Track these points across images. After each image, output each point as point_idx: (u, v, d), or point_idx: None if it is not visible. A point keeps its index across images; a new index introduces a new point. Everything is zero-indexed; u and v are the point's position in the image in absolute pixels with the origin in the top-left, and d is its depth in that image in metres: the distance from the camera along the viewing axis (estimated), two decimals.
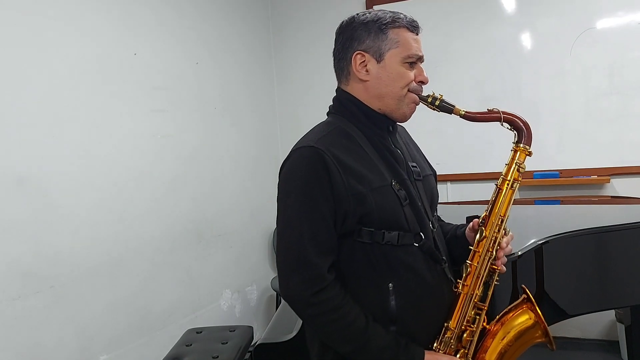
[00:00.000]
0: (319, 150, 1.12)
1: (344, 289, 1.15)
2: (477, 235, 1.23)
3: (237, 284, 3.26)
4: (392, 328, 1.15)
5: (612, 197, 3.04)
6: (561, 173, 3.17)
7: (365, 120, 1.22)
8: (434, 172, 1.38)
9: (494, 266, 1.24)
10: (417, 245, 1.18)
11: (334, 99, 1.29)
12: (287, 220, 1.15)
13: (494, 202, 1.24)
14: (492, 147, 3.13)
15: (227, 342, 2.14)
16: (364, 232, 1.14)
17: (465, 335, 1.22)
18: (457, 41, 3.38)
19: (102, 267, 2.28)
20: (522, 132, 1.23)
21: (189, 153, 2.88)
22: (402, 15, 1.21)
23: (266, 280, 3.55)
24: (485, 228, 1.22)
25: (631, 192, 3.02)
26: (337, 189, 1.11)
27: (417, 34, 1.22)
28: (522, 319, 1.27)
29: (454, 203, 3.19)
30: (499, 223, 1.23)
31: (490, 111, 1.22)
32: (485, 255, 1.22)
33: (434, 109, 1.23)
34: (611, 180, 3.09)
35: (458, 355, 1.21)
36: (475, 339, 1.23)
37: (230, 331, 2.26)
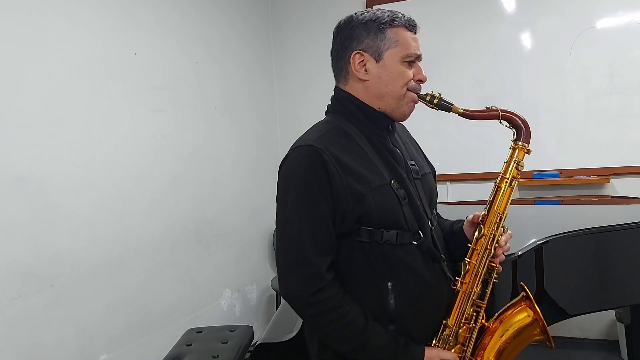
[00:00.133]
0: (318, 149, 1.12)
1: (343, 288, 1.15)
2: (476, 233, 1.23)
3: (237, 283, 3.26)
4: (391, 327, 1.15)
5: (612, 197, 3.04)
6: (561, 173, 3.17)
7: (365, 119, 1.22)
8: (433, 170, 1.38)
9: (492, 264, 1.24)
10: (415, 244, 1.18)
11: (332, 99, 1.29)
12: (286, 219, 1.15)
13: (492, 200, 1.24)
14: (492, 147, 3.13)
15: (227, 342, 2.14)
16: (362, 232, 1.15)
17: (464, 332, 1.22)
18: (457, 41, 3.38)
19: (102, 267, 2.28)
20: (520, 129, 1.23)
21: (189, 153, 2.88)
22: (400, 15, 1.21)
23: (266, 280, 3.55)
24: (483, 226, 1.23)
25: (631, 192, 3.02)
26: (336, 188, 1.11)
27: (415, 33, 1.23)
28: (521, 317, 1.27)
29: (454, 203, 3.19)
30: (498, 221, 1.23)
31: (488, 109, 1.23)
32: (484, 253, 1.22)
33: (432, 108, 1.24)
34: (611, 180, 3.09)
35: (457, 353, 1.21)
36: (474, 336, 1.23)
37: (230, 331, 2.26)
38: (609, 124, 3.09)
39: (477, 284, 1.22)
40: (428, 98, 1.22)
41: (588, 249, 1.87)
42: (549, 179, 3.17)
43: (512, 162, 1.24)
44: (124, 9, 2.48)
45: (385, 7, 1.25)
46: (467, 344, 1.23)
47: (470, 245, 1.23)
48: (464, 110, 1.22)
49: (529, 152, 1.24)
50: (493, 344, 1.24)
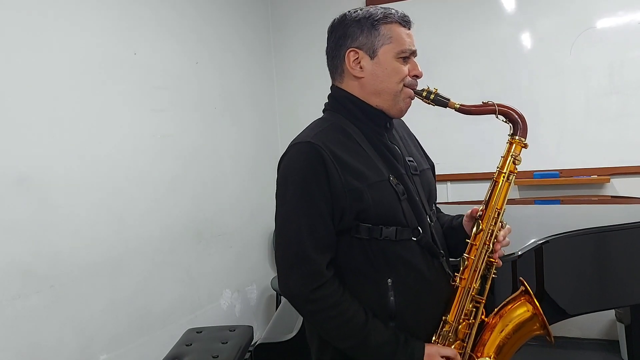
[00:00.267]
0: (316, 146, 1.12)
1: (343, 285, 1.15)
2: (474, 229, 1.23)
3: (237, 283, 3.26)
4: (391, 324, 1.15)
5: (612, 197, 3.04)
6: (561, 173, 3.17)
7: (362, 116, 1.23)
8: (432, 165, 1.38)
9: (491, 259, 1.23)
10: (415, 240, 1.18)
11: (329, 97, 1.29)
12: (285, 216, 1.15)
13: (490, 195, 1.24)
14: (492, 147, 3.09)
15: (227, 342, 2.15)
16: (361, 228, 1.15)
17: (463, 328, 1.22)
18: (457, 41, 3.38)
19: (102, 267, 2.28)
20: (517, 124, 1.23)
21: (189, 153, 2.88)
22: (393, 11, 1.21)
23: (266, 280, 3.55)
24: (481, 221, 1.22)
25: (631, 192, 3.02)
26: (334, 185, 1.11)
27: (409, 29, 1.22)
28: (520, 312, 1.27)
29: (454, 203, 3.19)
30: (496, 216, 1.23)
31: (485, 104, 1.23)
32: (482, 248, 1.22)
33: (428, 103, 1.23)
34: (611, 180, 3.09)
35: (457, 349, 1.21)
36: (474, 332, 1.23)
37: (230, 331, 2.26)
38: (609, 124, 3.09)
39: (476, 279, 1.21)
40: (424, 94, 1.22)
41: (588, 249, 1.87)
42: (549, 179, 3.17)
43: (509, 157, 1.24)
44: (124, 9, 2.48)
45: (380, 5, 1.24)
46: (466, 339, 1.22)
47: (468, 240, 1.23)
48: (461, 105, 1.22)
49: (525, 146, 1.24)
50: (493, 340, 1.24)
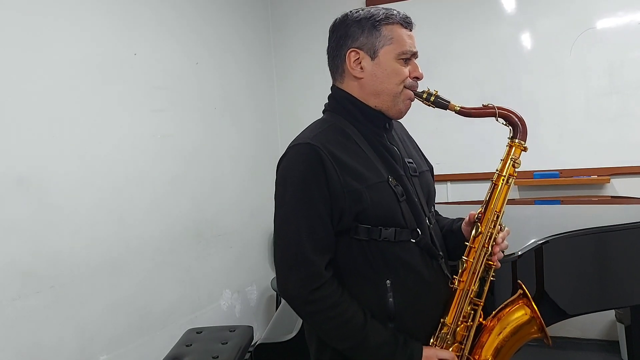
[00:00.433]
0: (316, 147, 1.12)
1: (342, 286, 1.15)
2: (473, 231, 1.23)
3: (237, 284, 3.26)
4: (390, 325, 1.15)
5: (612, 197, 3.04)
6: (561, 173, 3.17)
7: (362, 117, 1.22)
8: (431, 167, 1.38)
9: (490, 262, 1.23)
10: (414, 241, 1.18)
11: (330, 97, 1.29)
12: (284, 216, 1.16)
13: (489, 198, 1.24)
14: (492, 147, 3.09)
15: (227, 342, 2.14)
16: (360, 229, 1.15)
17: (461, 330, 1.22)
18: (457, 41, 3.38)
19: (102, 267, 2.29)
20: (517, 127, 1.23)
21: (189, 153, 2.88)
22: (395, 12, 1.21)
23: (266, 280, 3.55)
24: (480, 224, 1.22)
25: (631, 192, 3.02)
26: (333, 186, 1.11)
27: (410, 30, 1.22)
28: (518, 315, 1.27)
29: (454, 203, 3.19)
30: (495, 219, 1.23)
31: (485, 106, 1.22)
32: (481, 251, 1.22)
33: (429, 105, 1.23)
34: (611, 180, 3.09)
35: (455, 352, 1.21)
36: (472, 334, 1.23)
37: (230, 331, 2.26)
38: (609, 124, 3.09)
39: (475, 282, 1.21)
40: (424, 95, 1.22)
41: (588, 249, 1.87)
42: (549, 179, 3.17)
43: (509, 160, 1.24)
44: (124, 9, 2.48)
45: (382, 6, 1.24)
46: (464, 342, 1.22)
47: (467, 243, 1.23)
48: (461, 107, 1.22)
49: (525, 149, 1.24)
50: (491, 342, 1.24)
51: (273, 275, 3.60)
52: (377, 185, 1.16)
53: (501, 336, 1.25)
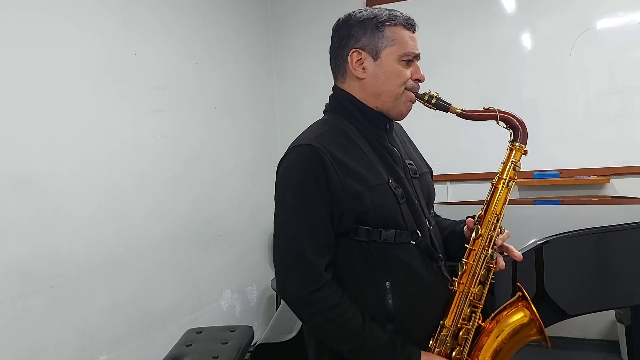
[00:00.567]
0: (316, 149, 1.12)
1: (341, 287, 1.15)
2: (473, 234, 1.23)
3: (237, 284, 3.26)
4: (389, 326, 1.15)
5: (612, 197, 3.04)
6: (561, 173, 3.17)
7: (362, 118, 1.22)
8: (430, 169, 1.38)
9: (490, 264, 1.23)
10: (414, 243, 1.18)
11: (331, 97, 1.29)
12: (284, 217, 1.15)
13: (489, 201, 1.24)
14: (492, 147, 3.08)
15: (227, 342, 2.14)
16: (360, 231, 1.14)
17: (461, 333, 1.22)
18: (457, 41, 3.38)
19: (102, 267, 2.29)
20: (517, 130, 1.23)
21: (189, 153, 2.88)
22: (398, 13, 1.21)
23: (266, 280, 3.55)
24: (481, 226, 1.22)
25: (631, 192, 3.02)
26: (334, 187, 1.11)
27: (413, 32, 1.22)
28: (517, 317, 1.27)
29: (454, 203, 3.19)
30: (495, 221, 1.23)
31: (486, 110, 1.22)
32: (481, 253, 1.22)
33: (430, 107, 1.23)
34: (611, 180, 3.09)
35: (454, 353, 1.21)
36: (471, 336, 1.23)
37: (230, 331, 2.26)
38: (609, 124, 3.09)
39: (475, 284, 1.21)
40: (426, 97, 1.22)
41: (588, 249, 1.87)
42: (549, 179, 3.17)
43: (509, 163, 1.24)
44: (124, 9, 2.48)
45: (384, 7, 1.24)
46: (463, 344, 1.22)
47: (467, 245, 1.23)
48: (462, 110, 1.22)
49: (525, 153, 1.24)
50: (489, 345, 1.24)
51: (273, 275, 3.60)
52: (378, 187, 1.15)
53: (500, 338, 1.25)
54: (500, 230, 1.25)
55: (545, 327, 1.27)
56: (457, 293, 1.21)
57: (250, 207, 3.40)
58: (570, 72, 3.15)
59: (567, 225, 1.92)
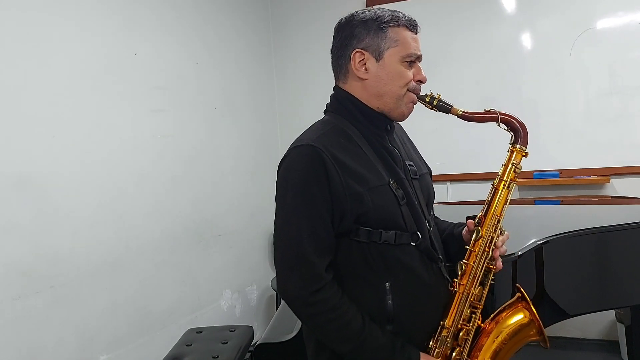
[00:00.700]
0: (317, 149, 1.12)
1: (341, 288, 1.15)
2: (473, 235, 1.23)
3: (237, 284, 3.26)
4: (388, 327, 1.15)
5: (612, 197, 3.04)
6: (561, 173, 3.17)
7: (363, 119, 1.22)
8: (430, 170, 1.39)
9: (490, 266, 1.24)
10: (414, 244, 1.18)
11: (332, 97, 1.29)
12: (285, 218, 1.15)
13: (490, 202, 1.25)
14: (492, 148, 3.09)
15: (227, 342, 2.15)
16: (361, 232, 1.14)
17: (461, 333, 1.22)
18: (457, 41, 3.38)
19: (102, 267, 2.29)
20: (518, 133, 1.23)
21: (189, 153, 2.88)
22: (401, 14, 1.21)
23: (266, 280, 3.55)
24: (481, 228, 1.22)
25: (631, 192, 3.02)
26: (335, 188, 1.11)
27: (416, 33, 1.22)
28: (517, 318, 1.27)
29: (454, 203, 3.19)
30: (495, 223, 1.23)
31: (487, 112, 1.23)
32: (482, 255, 1.22)
33: (431, 109, 1.24)
34: (611, 180, 3.09)
35: (454, 354, 1.22)
36: (471, 337, 1.23)
37: (230, 331, 2.26)
38: (609, 124, 3.09)
39: (475, 285, 1.22)
40: (427, 99, 1.22)
41: (588, 249, 1.87)
42: (549, 179, 3.17)
43: (510, 165, 1.24)
44: (124, 9, 2.48)
45: (386, 7, 1.25)
46: (463, 344, 1.23)
47: (468, 247, 1.23)
48: (463, 112, 1.22)
49: (526, 155, 1.24)
50: (489, 345, 1.24)
51: (273, 275, 3.60)
52: (379, 188, 1.15)
53: (499, 339, 1.25)
54: (501, 231, 1.25)
55: (545, 327, 1.27)
56: (457, 294, 1.21)
57: (250, 207, 3.40)
58: (570, 72, 3.15)
59: (567, 225, 1.93)
